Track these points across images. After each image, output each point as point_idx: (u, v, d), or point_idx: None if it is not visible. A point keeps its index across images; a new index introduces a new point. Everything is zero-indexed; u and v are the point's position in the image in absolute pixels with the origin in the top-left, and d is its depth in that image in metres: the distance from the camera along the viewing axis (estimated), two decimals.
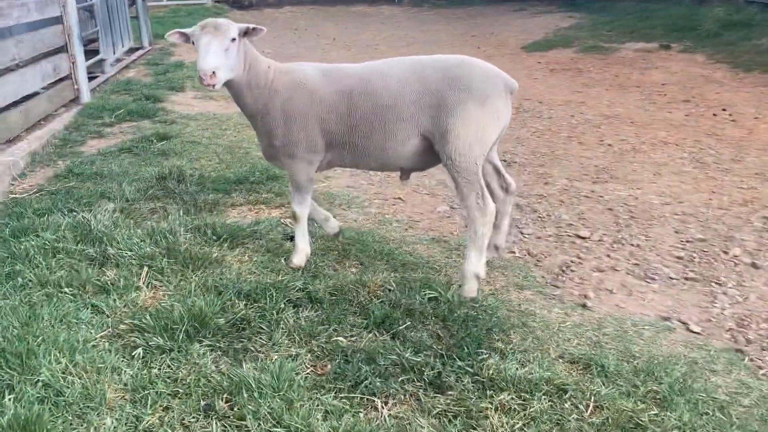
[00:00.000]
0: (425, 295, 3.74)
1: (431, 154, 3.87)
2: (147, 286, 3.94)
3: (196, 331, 3.37)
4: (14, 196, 5.66)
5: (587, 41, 14.07)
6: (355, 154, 3.95)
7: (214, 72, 3.57)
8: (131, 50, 12.45)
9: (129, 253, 4.21)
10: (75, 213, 4.86)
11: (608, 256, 4.67)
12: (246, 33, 3.79)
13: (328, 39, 16.05)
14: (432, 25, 18.57)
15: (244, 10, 21.78)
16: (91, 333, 3.46)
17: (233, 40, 3.68)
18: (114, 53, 10.84)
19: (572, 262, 4.56)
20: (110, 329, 3.51)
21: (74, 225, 4.60)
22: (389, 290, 3.87)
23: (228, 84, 3.82)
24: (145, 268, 4.06)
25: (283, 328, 3.43)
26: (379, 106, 3.75)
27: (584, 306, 3.92)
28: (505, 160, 6.92)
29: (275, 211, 5.28)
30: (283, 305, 3.65)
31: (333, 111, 3.84)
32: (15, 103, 7.19)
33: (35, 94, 7.65)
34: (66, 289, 3.86)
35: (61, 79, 8.41)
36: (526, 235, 5.01)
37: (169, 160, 6.44)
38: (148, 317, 3.46)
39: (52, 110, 7.97)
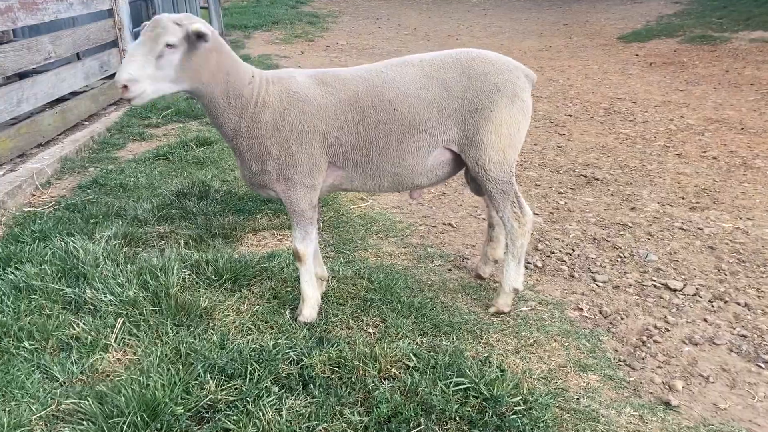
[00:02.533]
0: (451, 382, 2.82)
1: (453, 165, 3.41)
2: (118, 344, 3.22)
3: (146, 423, 2.60)
4: (30, 209, 5.13)
5: (694, 30, 12.49)
6: (366, 173, 3.28)
7: (126, 85, 2.81)
8: None
9: (109, 297, 3.51)
10: (73, 237, 4.23)
11: (705, 320, 3.58)
12: (199, 37, 2.91)
13: (409, 29, 15.11)
14: (521, 13, 17.26)
15: None
16: (31, 410, 2.78)
17: (169, 45, 2.87)
18: None
19: (656, 328, 3.50)
20: (54, 406, 2.81)
21: (63, 255, 3.95)
22: (407, 367, 2.98)
23: (199, 98, 3.11)
24: (120, 320, 3.35)
25: (256, 425, 2.61)
26: (395, 118, 3.16)
27: (668, 405, 2.88)
28: (584, 176, 5.84)
29: None
30: (267, 385, 2.83)
31: (337, 124, 3.13)
32: (57, 102, 6.76)
33: (79, 92, 7.19)
34: (26, 343, 3.20)
35: (112, 76, 7.94)
36: (600, 284, 3.97)
37: (202, 171, 5.77)
38: (89, 401, 2.72)
39: (98, 109, 7.50)
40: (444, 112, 3.19)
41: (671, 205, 5.16)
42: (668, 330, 3.47)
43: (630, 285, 3.96)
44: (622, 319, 3.59)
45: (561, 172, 5.99)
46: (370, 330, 3.36)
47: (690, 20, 13.61)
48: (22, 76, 6.65)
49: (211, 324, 3.34)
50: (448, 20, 16.45)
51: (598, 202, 5.28)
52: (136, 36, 8.25)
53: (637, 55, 11.28)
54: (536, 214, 5.02)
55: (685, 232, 4.67)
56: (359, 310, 3.52)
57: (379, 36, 14.27)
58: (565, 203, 5.26)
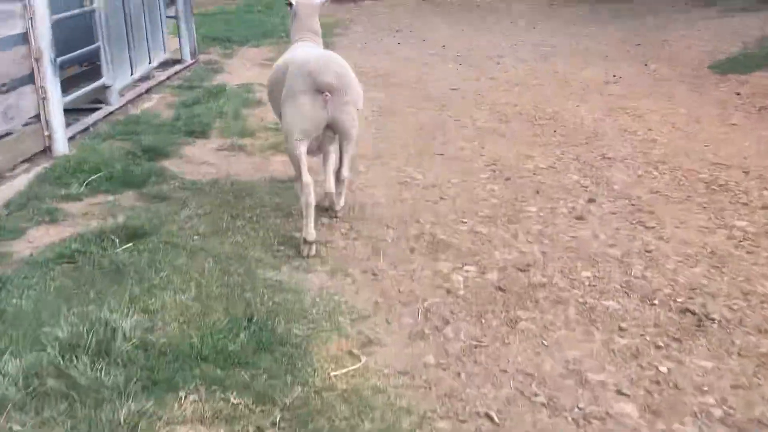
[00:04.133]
0: None
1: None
2: None
3: None
4: None
5: None
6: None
7: None
8: (167, 64, 10.89)
9: None
10: None
11: None
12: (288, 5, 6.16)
13: (435, 47, 13.95)
14: (581, 27, 16.06)
15: (338, 3, 20.07)
16: None
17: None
18: (132, 73, 9.24)
19: None
20: None
21: None
22: None
23: None
24: None
25: None
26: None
27: None
28: (691, 311, 4.51)
29: None
30: None
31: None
32: None
33: None
34: None
35: (31, 122, 6.80)
36: None
37: (119, 288, 4.54)
38: None
39: None
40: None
41: None
42: None
43: None
44: None
45: (656, 301, 4.67)
46: None
47: None
48: None
49: None
50: (486, 34, 15.30)
51: (720, 369, 3.95)
52: (61, 66, 7.14)
53: (738, 93, 9.98)
54: (626, 395, 3.71)
55: None
56: None
57: (398, 55, 13.13)
58: (669, 371, 3.93)
